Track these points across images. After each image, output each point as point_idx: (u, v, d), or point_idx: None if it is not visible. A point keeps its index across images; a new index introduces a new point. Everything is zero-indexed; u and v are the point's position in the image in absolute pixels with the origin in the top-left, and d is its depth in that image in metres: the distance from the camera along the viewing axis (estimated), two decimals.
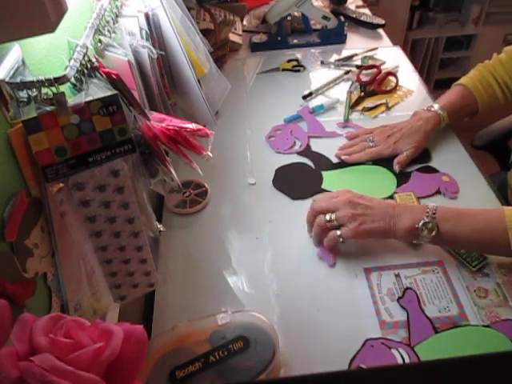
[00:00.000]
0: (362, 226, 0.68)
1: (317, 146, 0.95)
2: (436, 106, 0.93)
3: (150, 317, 0.68)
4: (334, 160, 0.92)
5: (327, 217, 0.71)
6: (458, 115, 0.94)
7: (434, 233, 0.66)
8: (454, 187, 0.83)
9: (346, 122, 1.02)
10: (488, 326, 0.61)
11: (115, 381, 0.35)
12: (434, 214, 0.66)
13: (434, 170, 0.87)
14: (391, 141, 0.90)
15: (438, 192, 0.82)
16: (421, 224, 0.66)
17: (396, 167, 0.87)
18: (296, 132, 1.00)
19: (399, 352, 0.59)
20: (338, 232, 0.70)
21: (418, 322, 0.63)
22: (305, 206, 0.82)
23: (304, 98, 1.10)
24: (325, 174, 0.89)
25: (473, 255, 0.70)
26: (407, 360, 0.59)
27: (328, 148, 0.95)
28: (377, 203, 0.71)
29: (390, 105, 1.05)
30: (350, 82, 1.15)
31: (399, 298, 0.66)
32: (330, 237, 0.71)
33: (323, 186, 0.86)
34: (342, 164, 0.91)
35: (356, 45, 1.33)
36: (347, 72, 1.18)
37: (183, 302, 0.69)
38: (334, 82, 1.16)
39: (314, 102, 1.08)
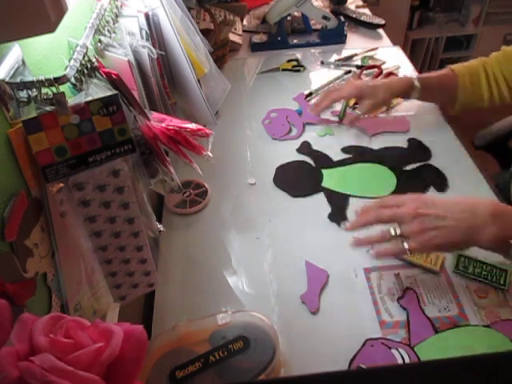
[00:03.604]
0: (433, 241, 0.59)
1: (317, 144, 0.96)
2: (413, 75, 0.95)
3: (150, 317, 0.68)
4: (334, 158, 0.92)
5: (392, 232, 0.62)
6: (433, 92, 0.95)
7: None
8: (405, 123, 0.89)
9: (340, 120, 1.02)
10: (488, 326, 0.61)
11: (115, 381, 0.35)
12: None
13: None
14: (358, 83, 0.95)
15: None
16: None
17: (358, 111, 0.95)
18: (291, 118, 1.03)
19: (399, 352, 0.59)
20: (406, 245, 0.61)
21: (418, 322, 0.63)
22: (305, 205, 0.83)
23: (304, 98, 1.10)
24: (325, 171, 0.89)
25: (493, 273, 0.66)
26: (407, 360, 0.58)
27: (327, 146, 0.95)
28: (452, 211, 0.59)
29: (392, 105, 1.05)
30: None
31: (399, 298, 0.66)
32: (397, 250, 0.63)
33: (323, 184, 0.87)
34: (342, 162, 0.91)
35: (356, 45, 1.34)
36: (347, 72, 1.18)
37: (183, 302, 0.69)
38: (334, 81, 1.16)
39: (311, 101, 1.09)
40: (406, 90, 0.93)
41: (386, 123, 1.00)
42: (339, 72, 1.19)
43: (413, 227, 0.60)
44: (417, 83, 0.92)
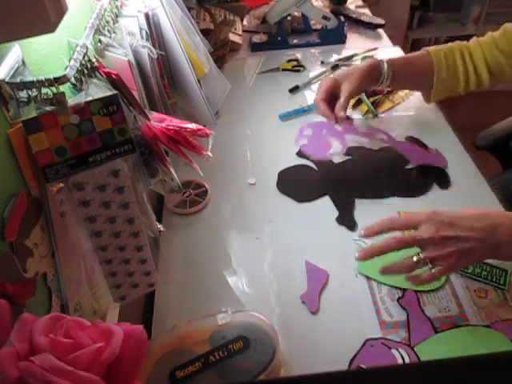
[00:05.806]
0: (459, 263, 0.59)
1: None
2: (384, 58, 0.90)
3: (150, 317, 0.68)
4: (335, 160, 0.92)
5: (414, 259, 0.60)
6: (406, 75, 0.89)
7: None
8: (443, 159, 0.88)
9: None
10: (488, 326, 0.61)
11: (115, 381, 0.35)
12: None
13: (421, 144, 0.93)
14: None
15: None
16: None
17: (340, 114, 0.85)
18: (329, 131, 0.97)
19: (399, 352, 0.59)
20: (434, 270, 0.60)
21: (417, 322, 0.63)
22: (305, 206, 0.83)
23: (290, 91, 1.11)
24: None
25: (493, 273, 0.67)
26: (407, 360, 0.58)
27: None
28: (472, 230, 0.58)
29: (393, 104, 1.05)
30: None
31: (399, 298, 0.66)
32: (427, 277, 0.61)
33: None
34: (343, 164, 0.91)
35: (356, 45, 1.34)
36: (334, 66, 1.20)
37: (183, 302, 0.69)
38: (318, 77, 1.18)
39: (311, 100, 1.08)
40: (373, 71, 0.87)
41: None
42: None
43: (438, 252, 0.59)
44: (386, 66, 0.87)
